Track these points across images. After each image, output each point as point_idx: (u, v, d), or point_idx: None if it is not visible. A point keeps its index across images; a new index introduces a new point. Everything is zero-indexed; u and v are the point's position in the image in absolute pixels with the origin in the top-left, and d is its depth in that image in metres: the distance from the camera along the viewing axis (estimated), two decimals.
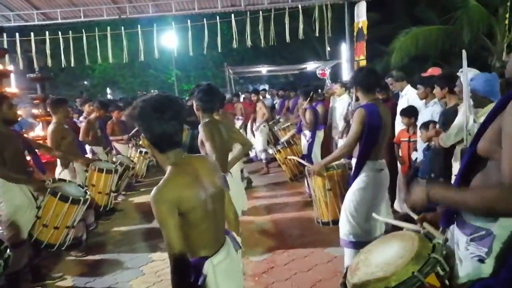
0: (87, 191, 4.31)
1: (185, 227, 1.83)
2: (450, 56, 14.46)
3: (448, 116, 3.86)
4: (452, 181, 3.96)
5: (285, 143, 6.73)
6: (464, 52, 3.12)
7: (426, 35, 14.33)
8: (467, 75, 3.13)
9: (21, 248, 3.70)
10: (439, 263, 1.58)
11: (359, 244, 3.18)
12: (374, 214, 2.67)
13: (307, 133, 6.42)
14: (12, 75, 11.14)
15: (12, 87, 10.73)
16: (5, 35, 8.80)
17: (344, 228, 3.40)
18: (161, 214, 1.76)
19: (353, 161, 3.56)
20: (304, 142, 6.52)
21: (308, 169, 3.91)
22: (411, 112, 4.88)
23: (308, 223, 5.39)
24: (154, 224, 5.85)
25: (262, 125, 8.84)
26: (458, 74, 3.62)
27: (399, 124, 5.15)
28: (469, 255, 1.50)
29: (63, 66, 9.63)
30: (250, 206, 6.27)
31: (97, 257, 4.76)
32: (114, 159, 5.46)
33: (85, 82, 23.21)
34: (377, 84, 3.71)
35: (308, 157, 6.15)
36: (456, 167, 3.59)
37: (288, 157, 6.16)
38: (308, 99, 6.43)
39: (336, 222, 3.71)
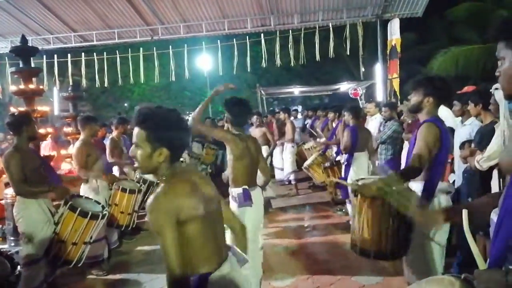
0: (104, 206, 4.25)
1: (185, 240, 1.71)
2: (493, 76, 13.81)
3: (484, 134, 3.56)
4: None
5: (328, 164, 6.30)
6: None
7: (466, 55, 13.86)
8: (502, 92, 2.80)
9: (37, 265, 3.67)
10: None
11: None
12: None
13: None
14: (55, 96, 11.63)
15: (55, 107, 11.23)
16: (44, 57, 9.19)
17: None
18: (159, 225, 1.65)
19: (413, 185, 2.73)
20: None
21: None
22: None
23: (336, 248, 5.10)
24: None
25: (290, 146, 8.53)
26: (492, 91, 3.34)
27: None
28: None
29: (97, 86, 9.92)
30: (276, 228, 6.10)
31: (117, 276, 4.69)
32: (138, 176, 5.39)
33: (125, 104, 23.93)
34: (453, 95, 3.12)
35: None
36: (495, 188, 3.25)
37: (331, 179, 5.84)
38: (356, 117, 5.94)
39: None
